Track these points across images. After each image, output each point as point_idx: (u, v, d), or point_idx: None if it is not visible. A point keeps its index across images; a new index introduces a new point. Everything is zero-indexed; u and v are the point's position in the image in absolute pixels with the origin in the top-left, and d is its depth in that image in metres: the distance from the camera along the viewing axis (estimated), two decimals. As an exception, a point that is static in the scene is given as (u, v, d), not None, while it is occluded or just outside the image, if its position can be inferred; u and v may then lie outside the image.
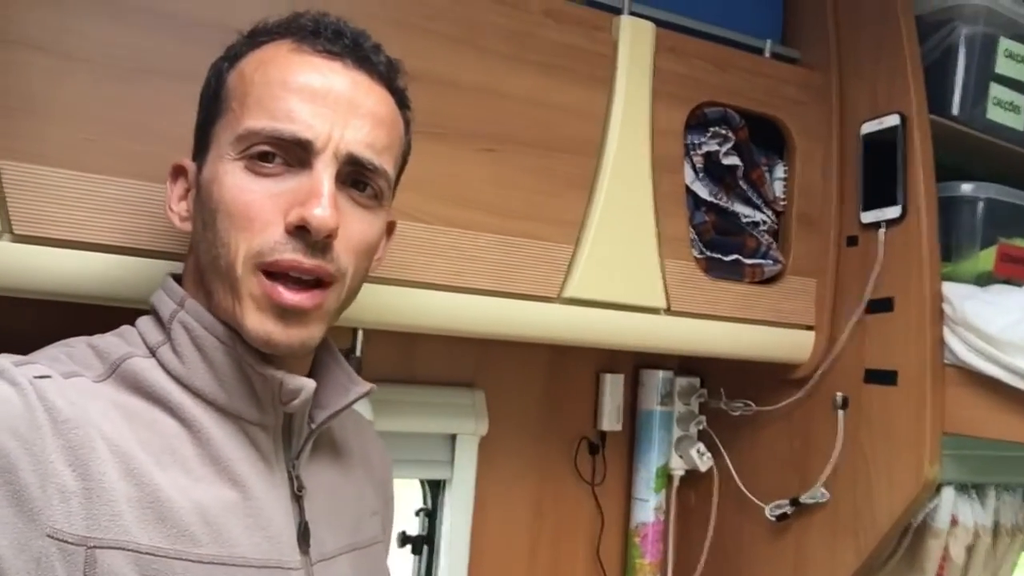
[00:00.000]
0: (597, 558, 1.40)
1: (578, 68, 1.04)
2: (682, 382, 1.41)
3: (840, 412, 1.17)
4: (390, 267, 0.92)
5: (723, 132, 1.15)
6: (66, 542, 0.55)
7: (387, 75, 0.72)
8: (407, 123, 0.75)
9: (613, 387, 1.39)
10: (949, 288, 1.08)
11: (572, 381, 1.38)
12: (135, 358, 0.65)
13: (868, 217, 1.16)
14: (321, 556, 0.69)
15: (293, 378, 0.66)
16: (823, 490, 1.18)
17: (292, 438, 0.70)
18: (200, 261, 0.68)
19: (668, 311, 1.10)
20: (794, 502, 1.21)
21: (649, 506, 1.39)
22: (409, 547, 1.28)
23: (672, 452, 1.40)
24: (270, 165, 0.65)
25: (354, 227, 0.67)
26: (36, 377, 0.58)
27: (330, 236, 0.64)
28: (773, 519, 1.23)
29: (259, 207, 0.64)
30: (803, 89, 1.21)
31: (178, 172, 0.72)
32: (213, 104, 0.70)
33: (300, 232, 0.63)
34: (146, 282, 0.79)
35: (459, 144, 0.97)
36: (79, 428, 0.58)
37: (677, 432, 1.40)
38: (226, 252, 0.64)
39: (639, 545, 1.39)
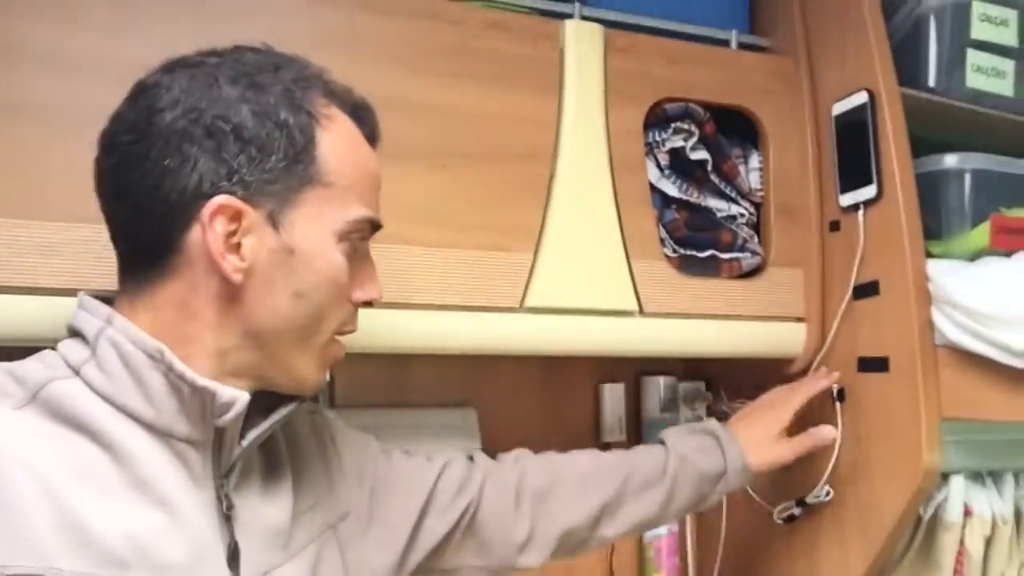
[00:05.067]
0: (611, 575, 1.37)
1: (525, 77, 1.04)
2: (687, 387, 1.38)
3: (837, 404, 1.12)
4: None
5: (686, 127, 1.12)
6: None
7: None
8: None
9: (613, 397, 1.37)
10: (933, 265, 1.02)
11: (570, 393, 1.37)
12: (56, 382, 0.64)
13: (846, 200, 1.12)
14: (253, 575, 0.69)
15: (226, 390, 0.66)
16: (828, 488, 1.13)
17: (222, 455, 0.70)
18: (257, 318, 0.68)
19: (641, 313, 1.07)
20: (800, 502, 1.16)
21: (661, 518, 1.35)
22: (415, 573, 1.27)
23: (682, 460, 1.36)
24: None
25: None
26: None
27: None
28: (781, 521, 1.18)
29: (348, 286, 0.73)
30: (772, 77, 1.18)
31: (235, 216, 0.66)
32: (300, 163, 0.68)
33: (363, 305, 0.76)
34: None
35: (407, 163, 0.97)
36: None
37: (686, 439, 1.36)
38: (317, 323, 0.71)
39: (653, 560, 1.35)
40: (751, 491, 1.25)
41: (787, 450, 1.05)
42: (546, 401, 1.35)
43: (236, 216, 0.66)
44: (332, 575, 0.79)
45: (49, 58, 0.85)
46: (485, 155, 1.01)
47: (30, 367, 0.65)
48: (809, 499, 1.15)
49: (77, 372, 0.65)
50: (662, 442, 1.05)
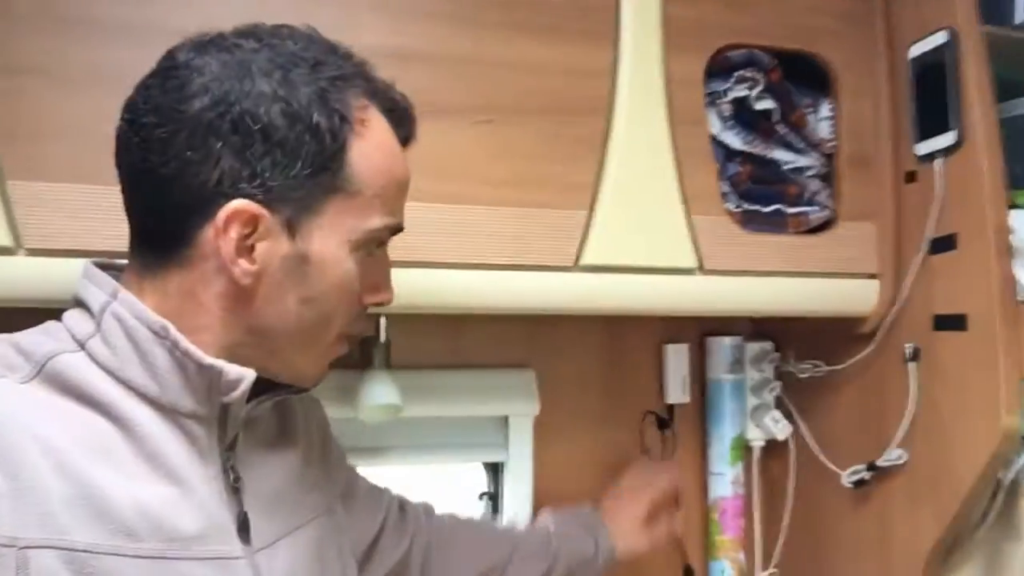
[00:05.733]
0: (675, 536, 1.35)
1: (578, 27, 1.00)
2: (753, 347, 1.33)
3: (911, 365, 1.07)
4: (393, 250, 0.92)
5: (751, 75, 1.07)
6: None
7: None
8: None
9: (677, 358, 1.33)
10: (1016, 217, 0.96)
11: (632, 354, 1.34)
12: (62, 355, 0.63)
13: (923, 148, 1.05)
14: (262, 544, 0.69)
15: (232, 367, 0.65)
16: (900, 451, 1.08)
17: (227, 429, 0.69)
18: (263, 319, 0.67)
19: (701, 270, 1.03)
20: (871, 466, 1.12)
21: (726, 480, 1.32)
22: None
23: (748, 422, 1.33)
24: None
25: None
26: None
27: None
28: (851, 486, 1.14)
29: (360, 290, 0.71)
30: (843, 19, 1.11)
31: (251, 221, 0.64)
32: (329, 170, 0.66)
33: (373, 306, 0.75)
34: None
35: (454, 119, 0.95)
36: (5, 428, 0.57)
37: (753, 400, 1.33)
38: (323, 327, 0.70)
39: (718, 521, 1.32)
40: (819, 454, 1.22)
41: (645, 540, 1.14)
42: (607, 362, 1.33)
43: (252, 221, 0.64)
44: (332, 553, 0.80)
45: (116, 29, 0.85)
46: (537, 109, 0.98)
47: (35, 339, 0.65)
48: (880, 463, 1.10)
49: (83, 346, 0.65)
50: (545, 523, 1.12)
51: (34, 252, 0.82)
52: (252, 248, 0.65)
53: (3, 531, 0.55)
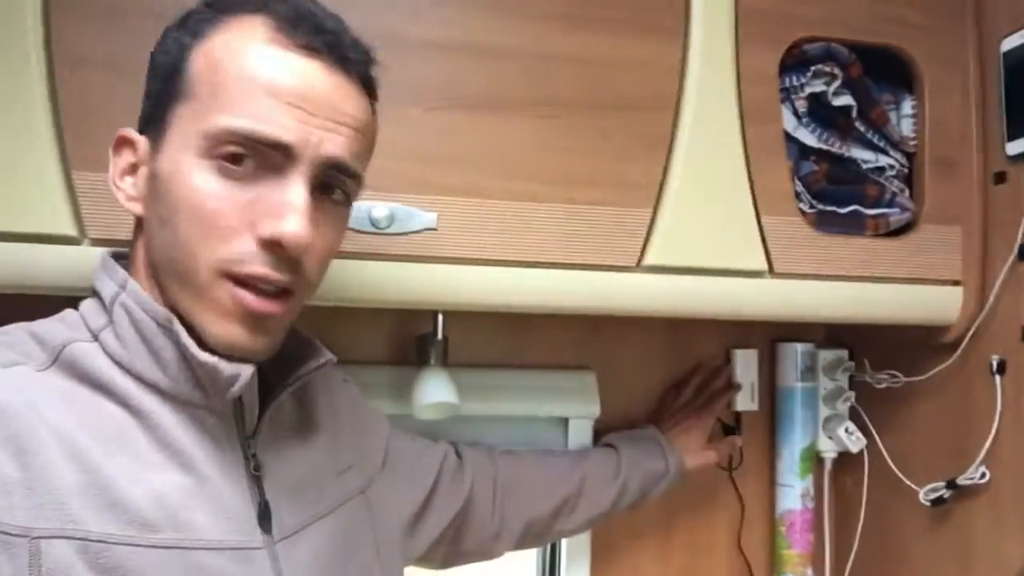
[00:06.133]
0: (739, 549, 1.30)
1: (645, 20, 0.96)
2: (827, 355, 1.28)
3: (997, 378, 1.00)
4: (451, 247, 0.90)
5: (828, 70, 1.02)
6: (8, 534, 0.54)
7: (364, 73, 0.69)
8: (374, 114, 0.71)
9: (745, 364, 1.29)
10: (1118, 222, 0.89)
11: (698, 359, 1.29)
12: (77, 343, 0.63)
13: (1014, 148, 0.99)
14: (284, 533, 0.68)
15: (227, 365, 0.63)
16: (983, 469, 1.02)
17: (244, 416, 0.68)
18: (152, 253, 0.66)
19: (771, 273, 0.99)
20: (951, 484, 1.05)
21: (795, 492, 1.26)
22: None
23: (820, 432, 1.27)
24: (240, 168, 0.62)
25: (323, 235, 0.66)
26: None
27: (304, 252, 0.63)
28: (928, 504, 1.08)
29: (227, 215, 0.61)
30: (928, 10, 1.05)
31: (123, 144, 0.67)
32: (172, 80, 0.64)
33: (272, 246, 0.61)
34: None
35: (513, 114, 0.93)
36: (20, 417, 0.57)
37: (825, 410, 1.27)
38: (187, 257, 0.62)
39: (785, 535, 1.27)
40: (896, 469, 1.16)
41: (712, 455, 1.20)
42: (671, 366, 1.29)
43: (125, 143, 0.68)
44: (363, 537, 0.78)
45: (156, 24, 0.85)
46: (600, 105, 0.95)
47: (51, 327, 0.65)
48: (961, 481, 1.04)
49: (96, 337, 0.65)
50: (610, 445, 1.14)
51: (98, 242, 0.83)
52: (135, 175, 0.67)
53: (16, 521, 0.55)
